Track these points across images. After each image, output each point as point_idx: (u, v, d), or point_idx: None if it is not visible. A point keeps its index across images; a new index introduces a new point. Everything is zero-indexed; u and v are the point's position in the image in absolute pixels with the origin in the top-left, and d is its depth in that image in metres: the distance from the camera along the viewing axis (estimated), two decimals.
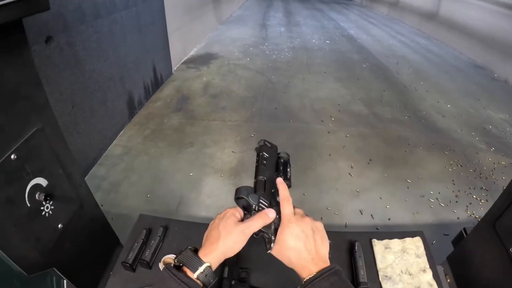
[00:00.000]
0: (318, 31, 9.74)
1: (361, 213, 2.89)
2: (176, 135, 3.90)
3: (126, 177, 3.22)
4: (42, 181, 0.96)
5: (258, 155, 0.83)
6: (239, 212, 0.76)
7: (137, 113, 4.34)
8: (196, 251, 0.71)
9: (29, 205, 0.91)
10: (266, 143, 0.86)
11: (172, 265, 0.68)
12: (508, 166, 3.64)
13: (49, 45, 2.58)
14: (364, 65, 6.80)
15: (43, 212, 0.97)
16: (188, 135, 3.90)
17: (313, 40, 8.56)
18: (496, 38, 7.01)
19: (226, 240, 0.70)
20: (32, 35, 2.40)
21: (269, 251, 0.73)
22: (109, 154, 3.55)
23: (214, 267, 0.68)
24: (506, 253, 1.13)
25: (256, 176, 0.79)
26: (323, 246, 0.73)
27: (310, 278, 0.66)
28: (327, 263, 0.70)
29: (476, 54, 7.71)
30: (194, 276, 0.65)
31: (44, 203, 0.97)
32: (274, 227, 0.73)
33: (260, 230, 0.72)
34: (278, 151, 0.88)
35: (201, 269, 0.66)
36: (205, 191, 3.07)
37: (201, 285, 0.66)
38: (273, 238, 0.72)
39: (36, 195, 0.94)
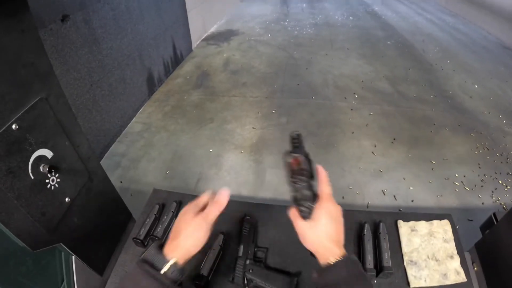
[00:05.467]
0: (341, 7, 9.33)
1: (384, 194, 2.80)
2: (196, 111, 3.86)
3: (145, 153, 3.22)
4: (46, 153, 0.90)
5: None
6: (196, 205, 0.76)
7: (157, 90, 4.31)
8: (162, 246, 0.70)
9: (32, 177, 0.86)
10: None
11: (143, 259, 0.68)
12: None
13: (65, 24, 2.57)
14: (388, 42, 6.48)
15: (48, 185, 0.92)
16: (208, 111, 3.84)
17: (336, 17, 8.21)
18: None
19: (187, 232, 0.70)
20: (48, 14, 2.40)
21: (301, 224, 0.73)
22: (128, 131, 3.55)
23: (181, 262, 0.68)
24: None
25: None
26: (343, 233, 0.73)
27: (336, 261, 0.67)
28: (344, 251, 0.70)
29: (504, 34, 7.21)
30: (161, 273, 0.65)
31: (49, 175, 0.92)
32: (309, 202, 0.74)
33: (298, 202, 0.74)
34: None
35: (166, 267, 0.66)
36: (225, 167, 3.03)
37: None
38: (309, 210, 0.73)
39: (40, 167, 0.88)
